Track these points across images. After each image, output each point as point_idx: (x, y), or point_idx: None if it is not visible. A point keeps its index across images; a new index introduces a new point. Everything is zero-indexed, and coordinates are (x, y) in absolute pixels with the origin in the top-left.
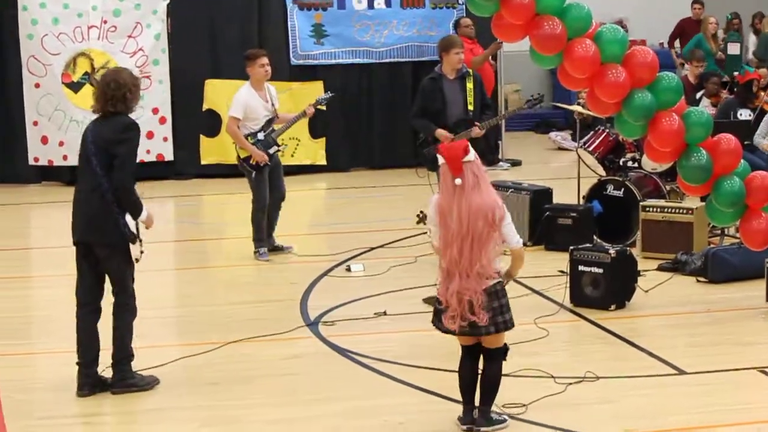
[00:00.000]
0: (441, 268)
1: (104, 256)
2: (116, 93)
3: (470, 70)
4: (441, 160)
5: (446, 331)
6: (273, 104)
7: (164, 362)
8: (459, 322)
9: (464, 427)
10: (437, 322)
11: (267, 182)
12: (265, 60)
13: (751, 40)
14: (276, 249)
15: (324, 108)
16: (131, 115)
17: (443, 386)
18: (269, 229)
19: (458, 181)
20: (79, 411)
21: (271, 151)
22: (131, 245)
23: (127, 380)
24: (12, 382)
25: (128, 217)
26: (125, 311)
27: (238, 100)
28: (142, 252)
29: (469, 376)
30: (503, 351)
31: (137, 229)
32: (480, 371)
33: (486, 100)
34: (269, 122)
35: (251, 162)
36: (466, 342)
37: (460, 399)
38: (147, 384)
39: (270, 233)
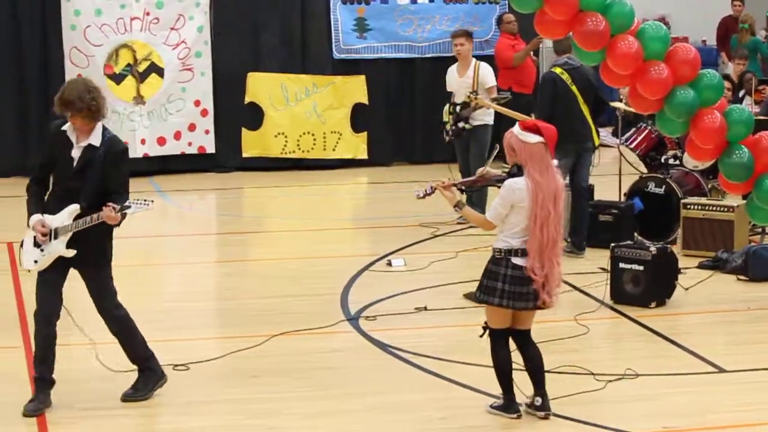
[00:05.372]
0: (533, 248)
1: None
2: None
3: None
4: (538, 138)
5: (534, 308)
6: (473, 83)
7: (211, 357)
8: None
9: (542, 413)
10: (522, 302)
11: (459, 150)
12: (457, 40)
13: None
14: None
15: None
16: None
17: (482, 382)
18: None
19: (555, 162)
20: (120, 402)
21: (459, 125)
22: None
23: None
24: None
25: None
26: None
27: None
28: (35, 261)
29: (510, 360)
30: None
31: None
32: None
33: None
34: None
35: (447, 128)
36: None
37: (498, 395)
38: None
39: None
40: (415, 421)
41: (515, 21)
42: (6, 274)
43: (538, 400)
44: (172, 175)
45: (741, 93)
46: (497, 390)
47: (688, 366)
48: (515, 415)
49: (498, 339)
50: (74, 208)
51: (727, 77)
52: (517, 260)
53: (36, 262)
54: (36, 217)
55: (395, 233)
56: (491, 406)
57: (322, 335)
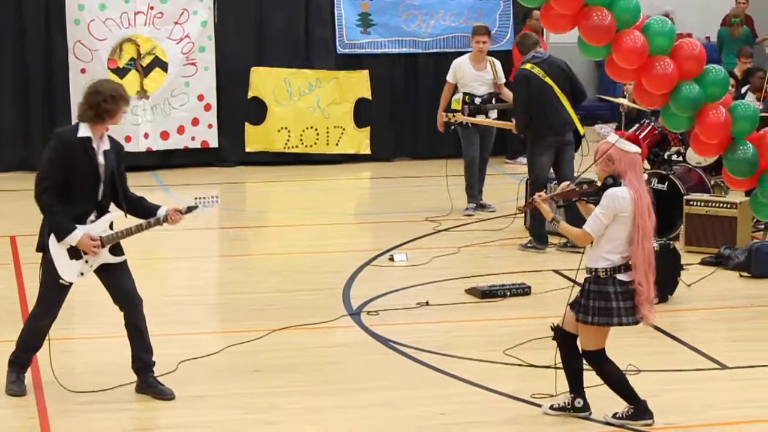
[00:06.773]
0: (639, 260)
1: None
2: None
3: None
4: (636, 148)
5: (632, 323)
6: (494, 78)
7: (213, 351)
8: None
9: (583, 414)
10: (626, 318)
11: (473, 140)
12: (480, 38)
13: None
14: (481, 207)
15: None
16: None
17: (484, 377)
18: (479, 185)
19: (646, 175)
20: (120, 396)
21: (478, 117)
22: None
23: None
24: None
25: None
26: (30, 317)
27: (452, 66)
28: (81, 273)
29: (621, 370)
30: None
31: (74, 252)
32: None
33: None
34: (492, 95)
35: (459, 118)
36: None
37: (500, 390)
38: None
39: (480, 189)
40: (416, 417)
41: None
42: (8, 269)
43: (579, 402)
44: (175, 170)
45: (744, 89)
46: (498, 385)
47: (690, 362)
48: (650, 420)
49: (601, 358)
50: (114, 216)
51: (731, 73)
52: (621, 276)
53: (83, 274)
54: (79, 233)
55: (397, 228)
56: (617, 416)
57: (323, 330)
